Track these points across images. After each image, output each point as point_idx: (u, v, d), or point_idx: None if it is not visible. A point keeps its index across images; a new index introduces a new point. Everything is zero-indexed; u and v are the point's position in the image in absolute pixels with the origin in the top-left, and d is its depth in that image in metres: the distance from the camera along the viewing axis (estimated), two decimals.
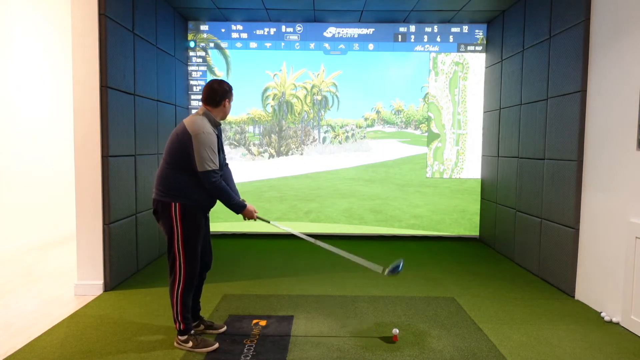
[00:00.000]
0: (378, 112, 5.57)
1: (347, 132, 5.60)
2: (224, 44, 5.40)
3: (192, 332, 2.53)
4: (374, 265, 2.64)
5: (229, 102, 2.54)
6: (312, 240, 2.75)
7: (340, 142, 5.61)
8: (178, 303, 2.45)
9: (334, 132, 5.59)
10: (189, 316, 2.51)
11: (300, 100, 5.56)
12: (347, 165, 5.64)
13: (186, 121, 2.42)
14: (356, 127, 5.60)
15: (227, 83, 2.54)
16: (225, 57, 5.43)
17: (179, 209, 2.39)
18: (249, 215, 2.57)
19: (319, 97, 5.55)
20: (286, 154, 5.62)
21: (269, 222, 2.69)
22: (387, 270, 2.58)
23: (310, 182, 5.61)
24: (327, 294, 3.46)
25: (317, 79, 5.50)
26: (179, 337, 2.50)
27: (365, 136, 5.61)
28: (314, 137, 5.61)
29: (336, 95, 5.54)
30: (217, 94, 2.47)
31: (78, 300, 3.29)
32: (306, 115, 5.59)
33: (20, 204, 4.77)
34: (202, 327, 2.72)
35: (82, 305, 3.15)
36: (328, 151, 5.62)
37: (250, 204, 2.58)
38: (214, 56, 5.41)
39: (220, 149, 2.55)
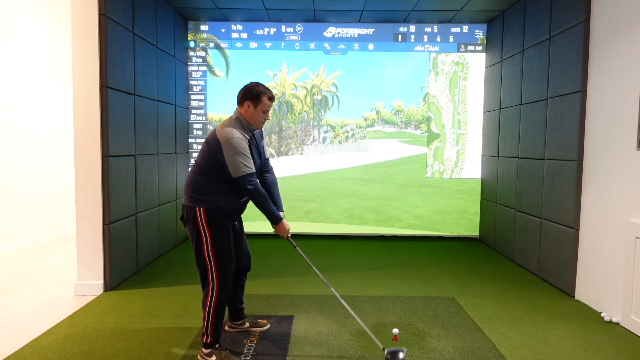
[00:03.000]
0: (378, 112, 5.57)
1: (347, 132, 5.60)
2: (224, 44, 5.40)
3: (217, 345, 2.39)
4: (376, 340, 2.47)
5: (252, 106, 2.35)
6: (328, 285, 2.60)
7: (340, 142, 5.61)
8: (210, 315, 2.31)
9: (334, 132, 5.59)
10: (219, 330, 2.38)
11: (300, 100, 5.56)
12: (347, 165, 5.63)
13: (217, 127, 2.35)
14: (356, 127, 5.60)
15: (258, 87, 2.37)
16: (225, 57, 5.43)
17: (204, 213, 2.30)
18: (280, 232, 2.48)
19: (319, 97, 5.55)
20: (286, 154, 5.62)
21: (295, 247, 2.58)
22: (387, 351, 2.37)
23: (311, 182, 5.61)
24: (327, 294, 3.46)
25: (317, 79, 5.50)
26: (203, 349, 2.35)
27: (365, 136, 5.61)
28: (314, 137, 5.61)
29: (336, 95, 5.54)
30: (240, 93, 2.40)
31: (78, 300, 3.28)
32: (306, 115, 5.59)
33: (20, 204, 4.77)
34: (247, 324, 2.76)
35: (82, 305, 3.15)
36: (328, 151, 5.62)
37: (286, 222, 2.48)
38: (214, 56, 5.41)
39: (257, 154, 2.43)
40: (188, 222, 2.37)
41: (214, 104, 5.44)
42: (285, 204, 5.52)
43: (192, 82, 5.39)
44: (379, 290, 3.57)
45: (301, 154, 5.62)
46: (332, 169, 5.62)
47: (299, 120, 5.59)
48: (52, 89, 5.23)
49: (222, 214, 2.35)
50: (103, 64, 3.34)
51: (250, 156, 2.31)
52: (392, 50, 5.41)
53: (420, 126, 5.53)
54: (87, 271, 3.42)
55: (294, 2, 4.71)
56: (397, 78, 5.47)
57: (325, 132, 5.59)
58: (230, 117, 2.41)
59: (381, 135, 5.60)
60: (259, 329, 2.78)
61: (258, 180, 2.44)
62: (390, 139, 5.59)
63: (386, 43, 5.40)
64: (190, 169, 2.43)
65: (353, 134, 5.60)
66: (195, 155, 5.45)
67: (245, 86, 2.41)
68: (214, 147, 2.28)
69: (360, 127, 5.59)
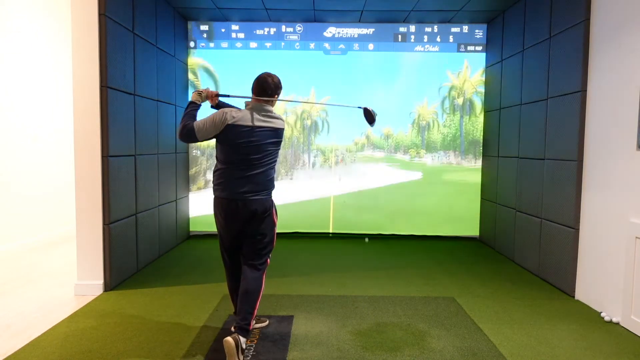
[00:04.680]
0: (368, 137, 5.58)
1: (337, 156, 5.59)
2: (224, 44, 5.40)
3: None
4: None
5: (278, 96, 2.57)
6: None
7: (330, 166, 5.60)
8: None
9: (324, 156, 5.59)
10: (235, 309, 2.57)
11: (290, 126, 5.57)
12: (337, 189, 5.60)
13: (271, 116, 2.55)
14: (346, 151, 5.59)
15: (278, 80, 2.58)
16: (225, 57, 5.42)
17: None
18: (206, 94, 2.57)
19: (309, 122, 5.56)
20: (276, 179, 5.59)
21: (228, 97, 2.67)
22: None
23: (299, 209, 5.55)
24: (327, 294, 3.46)
25: (307, 105, 5.51)
26: (245, 338, 2.36)
27: (356, 159, 5.61)
28: (303, 162, 5.60)
29: (326, 121, 5.56)
30: (273, 84, 2.51)
31: (78, 300, 3.28)
32: (296, 140, 5.59)
33: (20, 204, 4.77)
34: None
35: (82, 305, 3.15)
36: (317, 175, 5.59)
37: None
38: (214, 56, 5.40)
39: (242, 144, 2.40)
40: None
41: None
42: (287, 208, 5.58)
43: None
44: (379, 290, 3.57)
45: (291, 179, 5.61)
46: (322, 194, 5.57)
47: (288, 145, 5.58)
48: (52, 89, 5.23)
49: (214, 199, 2.54)
50: (103, 64, 3.34)
51: (208, 127, 2.39)
52: (392, 50, 5.41)
53: (409, 151, 5.55)
54: (87, 271, 3.42)
55: (294, 2, 4.71)
56: (386, 105, 5.43)
57: (315, 156, 5.59)
58: (266, 107, 2.48)
59: (370, 159, 5.60)
60: (260, 324, 2.82)
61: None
62: (380, 163, 5.59)
63: (386, 43, 5.40)
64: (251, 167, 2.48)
65: (343, 158, 5.59)
66: (195, 153, 5.46)
67: (272, 78, 2.50)
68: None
69: (350, 152, 5.59)
